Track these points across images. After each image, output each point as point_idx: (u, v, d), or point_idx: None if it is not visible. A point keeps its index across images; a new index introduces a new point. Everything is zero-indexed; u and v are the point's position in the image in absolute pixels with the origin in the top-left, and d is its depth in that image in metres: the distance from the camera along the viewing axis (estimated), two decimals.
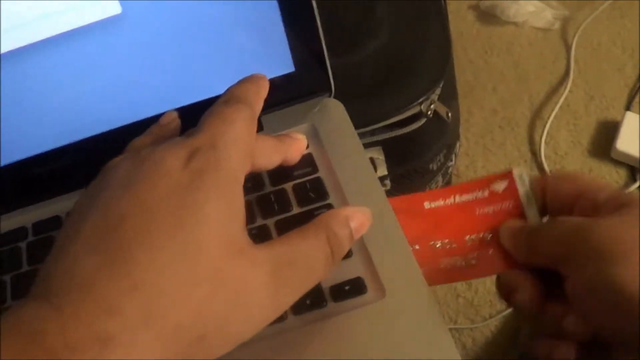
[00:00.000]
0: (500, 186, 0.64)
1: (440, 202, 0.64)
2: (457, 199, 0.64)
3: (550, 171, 1.39)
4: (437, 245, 0.62)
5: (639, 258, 0.50)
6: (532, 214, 0.62)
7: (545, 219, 0.62)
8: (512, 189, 0.63)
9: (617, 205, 0.55)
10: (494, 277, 0.61)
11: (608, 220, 0.54)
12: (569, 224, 0.56)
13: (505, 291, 0.59)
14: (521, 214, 0.62)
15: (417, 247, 0.61)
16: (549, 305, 0.57)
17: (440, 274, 0.61)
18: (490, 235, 0.62)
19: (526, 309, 0.58)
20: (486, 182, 0.64)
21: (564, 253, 0.55)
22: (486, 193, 0.64)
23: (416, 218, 0.63)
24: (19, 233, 0.66)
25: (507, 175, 0.64)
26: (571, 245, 0.54)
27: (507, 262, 0.60)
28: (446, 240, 0.62)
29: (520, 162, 1.42)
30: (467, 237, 0.62)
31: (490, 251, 0.61)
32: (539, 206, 0.62)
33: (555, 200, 0.61)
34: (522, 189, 0.63)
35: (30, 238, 0.65)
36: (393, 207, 0.61)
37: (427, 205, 0.64)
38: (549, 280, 0.58)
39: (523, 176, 0.63)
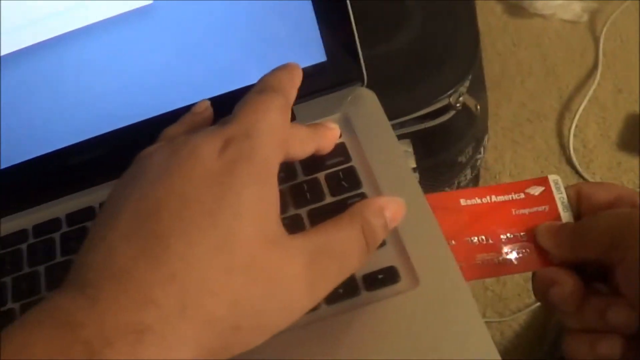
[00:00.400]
0: (536, 190, 0.65)
1: (476, 200, 0.65)
2: (493, 198, 0.65)
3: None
4: (474, 241, 0.62)
5: None
6: (568, 218, 0.63)
7: None
8: (548, 193, 0.65)
9: None
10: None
11: None
12: (617, 213, 0.57)
13: (543, 286, 0.59)
14: (556, 218, 0.63)
15: (453, 242, 0.62)
16: (590, 298, 0.57)
17: (476, 270, 0.61)
18: (525, 235, 0.63)
19: (566, 303, 0.58)
20: (522, 185, 0.66)
21: (615, 239, 0.55)
22: (522, 195, 0.65)
23: (452, 214, 0.64)
24: (53, 224, 0.66)
25: (543, 180, 0.65)
26: (622, 230, 0.55)
27: (543, 260, 0.61)
28: (482, 237, 0.63)
29: (548, 155, 1.42)
30: (503, 235, 0.63)
31: (526, 250, 0.62)
32: (573, 212, 0.64)
33: (589, 207, 0.62)
34: (558, 194, 0.64)
35: (64, 229, 0.65)
36: (429, 203, 0.62)
37: (463, 202, 0.65)
38: (586, 278, 0.59)
39: (559, 182, 0.65)
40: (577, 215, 0.64)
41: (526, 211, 0.64)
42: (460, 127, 1.08)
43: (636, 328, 0.55)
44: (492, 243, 0.63)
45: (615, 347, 0.55)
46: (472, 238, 0.63)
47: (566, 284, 0.58)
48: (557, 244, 0.60)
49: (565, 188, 0.65)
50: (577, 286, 0.58)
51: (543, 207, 0.64)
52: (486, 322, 1.25)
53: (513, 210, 0.64)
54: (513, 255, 0.62)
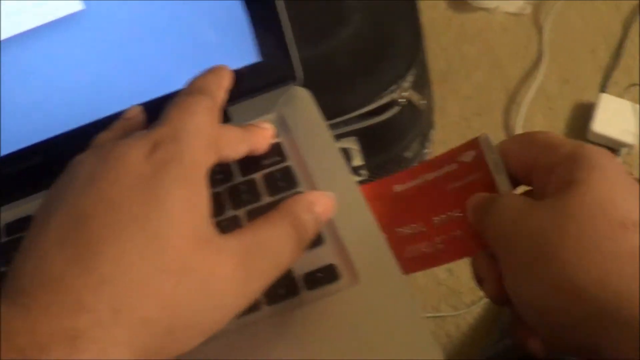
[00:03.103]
0: (468, 156, 0.59)
1: (410, 184, 0.62)
2: (427, 176, 0.61)
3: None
4: (405, 232, 0.60)
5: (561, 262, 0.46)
6: (502, 183, 0.57)
7: (519, 189, 0.57)
8: (480, 157, 0.58)
9: (564, 180, 0.50)
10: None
11: (542, 212, 0.49)
12: (504, 213, 0.52)
13: (476, 279, 0.57)
14: (491, 185, 0.57)
15: (384, 236, 0.59)
16: None
17: (407, 264, 0.58)
18: (460, 213, 0.58)
19: (493, 300, 0.56)
20: (454, 154, 0.60)
21: (497, 247, 0.52)
22: (455, 166, 0.60)
23: (386, 205, 0.62)
24: None
25: (474, 143, 0.59)
26: (502, 240, 0.52)
27: (475, 244, 0.56)
28: (414, 225, 0.60)
29: None
30: (436, 218, 0.59)
31: (458, 232, 0.58)
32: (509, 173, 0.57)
33: (516, 166, 0.56)
34: (490, 155, 0.57)
35: (3, 239, 0.65)
36: (364, 195, 0.61)
37: (397, 188, 0.62)
38: None
39: (489, 142, 0.58)
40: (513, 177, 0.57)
41: (460, 183, 0.59)
42: (406, 123, 1.08)
43: None
44: (424, 231, 0.59)
45: (539, 346, 0.53)
46: (404, 228, 0.60)
47: (490, 283, 0.54)
48: (476, 225, 0.56)
49: (497, 146, 0.58)
50: (500, 283, 0.53)
51: (476, 174, 0.58)
52: (441, 316, 1.26)
53: (447, 185, 0.60)
54: (444, 243, 0.58)
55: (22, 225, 0.65)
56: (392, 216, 0.61)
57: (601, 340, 0.45)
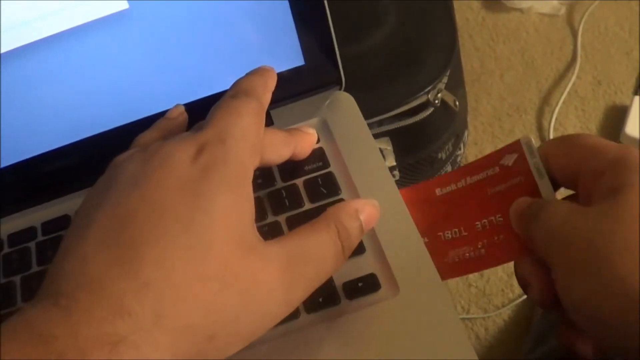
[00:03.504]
0: (510, 160, 0.59)
1: (451, 187, 0.61)
2: (469, 180, 0.61)
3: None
4: (447, 236, 0.59)
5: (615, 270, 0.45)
6: (544, 187, 0.56)
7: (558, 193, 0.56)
8: (522, 160, 0.57)
9: (612, 185, 0.49)
10: (505, 265, 0.58)
11: (594, 218, 0.48)
12: (554, 219, 0.51)
13: (521, 284, 0.57)
14: (533, 189, 0.56)
15: (425, 240, 0.59)
16: None
17: (449, 269, 0.58)
18: (502, 217, 0.57)
19: (540, 304, 0.55)
20: (495, 157, 0.60)
21: (548, 252, 0.51)
22: (497, 169, 0.59)
23: (427, 208, 0.61)
24: (28, 233, 0.65)
25: (516, 145, 0.58)
26: (554, 245, 0.50)
27: (518, 248, 0.55)
28: (456, 230, 0.59)
29: None
30: (478, 222, 0.58)
31: (501, 237, 0.57)
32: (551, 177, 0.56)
33: (558, 169, 0.55)
34: (532, 159, 0.57)
35: (40, 238, 0.65)
36: (404, 198, 0.60)
37: (438, 192, 0.62)
38: None
39: (531, 145, 0.57)
40: (554, 180, 0.56)
41: (502, 187, 0.58)
42: (440, 124, 1.08)
43: None
44: (466, 235, 0.58)
45: (587, 349, 0.53)
46: (445, 233, 0.59)
47: (535, 287, 0.53)
48: (519, 231, 0.55)
49: (538, 149, 0.57)
50: (546, 289, 0.52)
51: (518, 178, 0.57)
52: (470, 318, 1.25)
53: (489, 190, 0.59)
54: (487, 247, 0.57)
55: (58, 224, 0.65)
56: (434, 220, 0.60)
57: None
